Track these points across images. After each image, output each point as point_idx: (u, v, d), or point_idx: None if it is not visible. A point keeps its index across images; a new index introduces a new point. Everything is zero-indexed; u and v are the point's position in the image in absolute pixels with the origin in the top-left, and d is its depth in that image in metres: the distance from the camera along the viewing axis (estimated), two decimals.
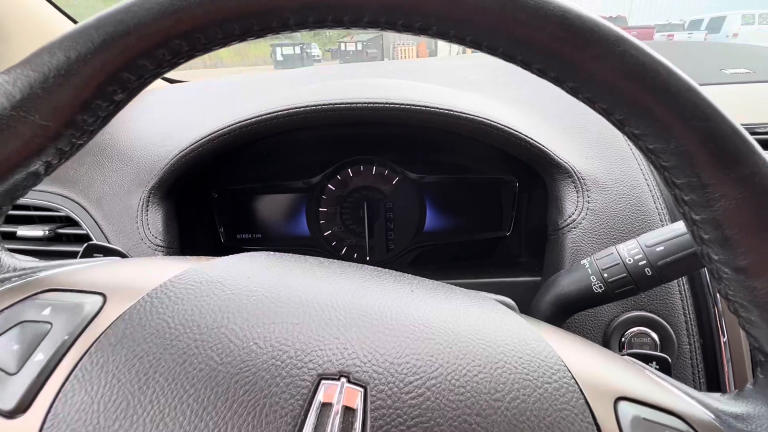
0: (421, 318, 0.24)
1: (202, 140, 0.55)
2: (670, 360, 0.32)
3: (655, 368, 0.32)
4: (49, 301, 0.24)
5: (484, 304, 0.27)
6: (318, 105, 0.54)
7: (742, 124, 0.66)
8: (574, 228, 0.54)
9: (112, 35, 0.22)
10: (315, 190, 0.72)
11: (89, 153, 0.63)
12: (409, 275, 0.30)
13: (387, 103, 0.54)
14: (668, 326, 0.51)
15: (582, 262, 0.44)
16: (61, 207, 0.60)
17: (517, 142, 0.55)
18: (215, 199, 0.72)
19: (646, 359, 0.32)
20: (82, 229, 0.58)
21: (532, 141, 0.55)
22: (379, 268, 0.30)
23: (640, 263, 0.40)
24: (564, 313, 0.45)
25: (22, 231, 0.61)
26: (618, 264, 0.41)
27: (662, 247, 0.39)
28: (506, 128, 0.54)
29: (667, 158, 0.22)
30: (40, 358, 0.21)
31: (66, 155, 0.25)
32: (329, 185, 0.72)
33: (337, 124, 0.60)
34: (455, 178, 0.72)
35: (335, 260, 0.31)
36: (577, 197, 0.55)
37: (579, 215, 0.54)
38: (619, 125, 0.23)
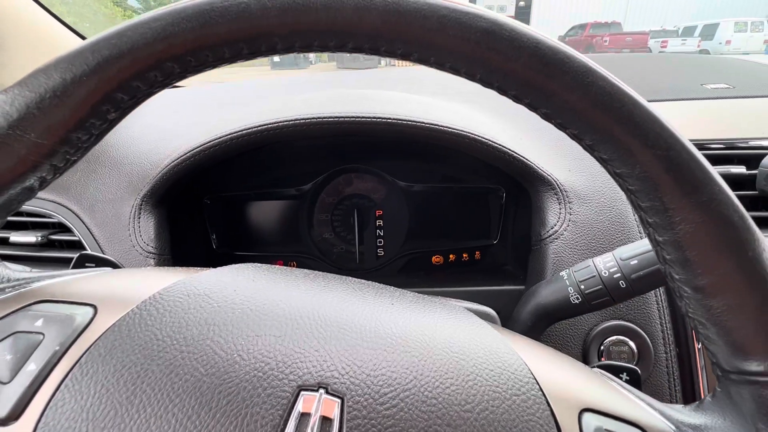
0: (398, 331, 0.25)
1: (194, 150, 0.56)
2: (639, 371, 0.33)
3: (626, 379, 0.33)
4: (41, 312, 0.25)
5: (460, 317, 0.29)
6: (308, 119, 0.55)
7: (722, 140, 0.68)
8: (556, 239, 0.56)
9: (107, 58, 0.23)
10: (306, 198, 0.74)
11: (83, 160, 0.64)
12: (392, 288, 0.31)
13: (375, 118, 0.55)
14: (645, 335, 0.53)
15: (561, 274, 0.46)
16: (53, 213, 0.60)
17: (501, 156, 0.56)
18: (207, 205, 0.73)
19: (616, 370, 0.33)
20: (75, 236, 0.59)
21: (515, 154, 0.56)
22: (363, 281, 0.32)
23: (615, 276, 0.42)
24: (543, 323, 0.46)
25: (15, 237, 0.61)
26: (594, 276, 0.43)
27: (636, 261, 0.41)
28: (490, 142, 0.56)
29: (633, 182, 0.24)
30: (32, 368, 0.22)
31: (60, 171, 0.26)
32: (321, 193, 0.74)
33: (330, 135, 0.62)
34: (443, 187, 0.74)
35: (321, 273, 0.32)
36: (560, 209, 0.57)
37: (561, 226, 0.56)
38: (589, 150, 0.25)
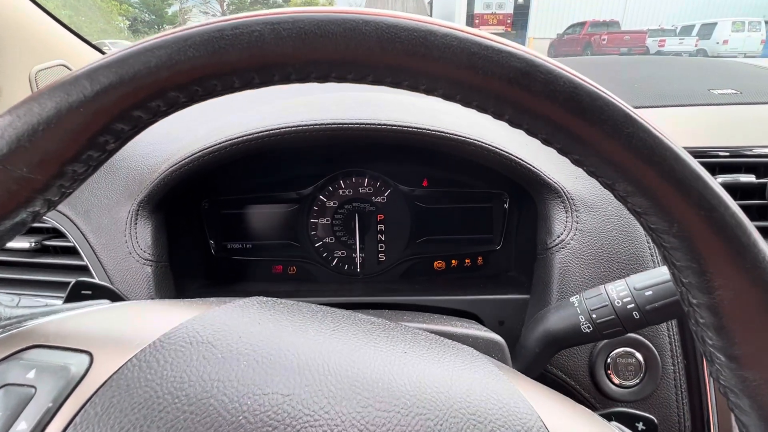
0: (412, 389, 0.24)
1: (194, 156, 0.54)
2: (656, 420, 0.32)
3: (642, 429, 0.33)
4: (33, 362, 0.23)
5: (475, 368, 0.27)
6: (311, 125, 0.54)
7: (728, 147, 0.67)
8: (563, 248, 0.55)
9: (107, 87, 0.21)
10: (306, 201, 0.72)
11: None
12: (404, 327, 0.30)
13: (379, 124, 0.54)
14: (653, 347, 0.52)
15: (571, 300, 0.44)
16: (47, 218, 0.59)
17: (507, 163, 0.55)
18: (206, 209, 0.71)
19: (633, 419, 0.32)
20: (70, 242, 0.58)
21: (522, 162, 0.55)
22: (375, 319, 0.30)
23: (629, 306, 0.41)
24: (552, 350, 0.45)
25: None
26: (606, 306, 0.42)
27: (651, 292, 0.40)
28: (496, 149, 0.54)
29: (668, 240, 0.22)
30: (22, 427, 0.20)
31: (55, 204, 0.24)
32: (321, 196, 0.72)
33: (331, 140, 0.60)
34: (446, 192, 0.73)
35: (330, 309, 0.30)
36: (566, 217, 0.56)
37: (568, 235, 0.55)
38: (622, 200, 0.23)
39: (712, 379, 0.52)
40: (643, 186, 0.22)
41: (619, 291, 0.42)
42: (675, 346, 0.53)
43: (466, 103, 0.22)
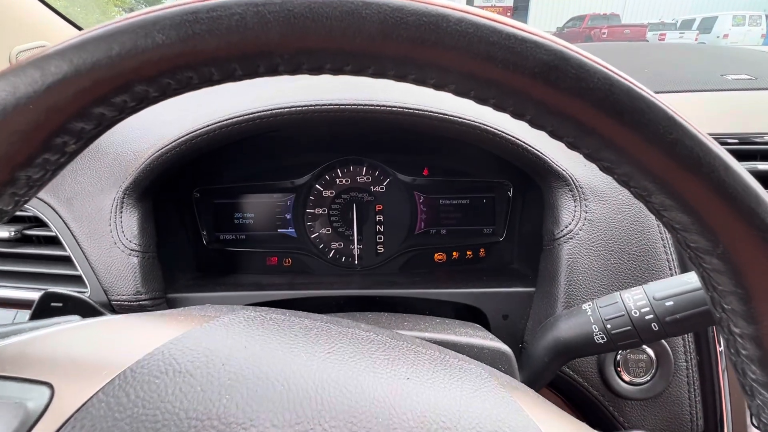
0: (417, 425, 0.21)
1: (180, 140, 0.51)
2: None
3: None
4: None
5: (486, 395, 0.25)
6: (304, 106, 0.51)
7: (739, 134, 0.63)
8: (571, 239, 0.52)
9: (60, 79, 0.18)
10: (302, 191, 0.70)
11: None
12: (406, 343, 0.28)
13: (378, 105, 0.51)
14: (664, 342, 0.49)
15: (584, 307, 0.42)
16: (28, 206, 0.56)
17: (513, 148, 0.52)
18: (197, 198, 0.68)
19: None
20: (51, 231, 0.55)
21: (529, 147, 0.52)
22: (374, 337, 0.28)
23: (647, 317, 0.38)
24: (561, 359, 0.43)
25: None
26: (623, 315, 0.39)
27: (672, 302, 0.37)
28: (502, 134, 0.52)
29: (711, 261, 0.20)
30: None
31: (8, 213, 0.21)
32: (317, 186, 0.70)
33: (327, 124, 0.57)
34: (447, 181, 0.70)
35: (325, 323, 0.28)
36: (575, 207, 0.53)
37: (576, 226, 0.52)
38: (656, 213, 0.21)
39: (726, 377, 0.50)
40: (686, 200, 0.19)
41: (636, 300, 0.39)
42: (688, 341, 0.50)
43: (482, 101, 0.19)
